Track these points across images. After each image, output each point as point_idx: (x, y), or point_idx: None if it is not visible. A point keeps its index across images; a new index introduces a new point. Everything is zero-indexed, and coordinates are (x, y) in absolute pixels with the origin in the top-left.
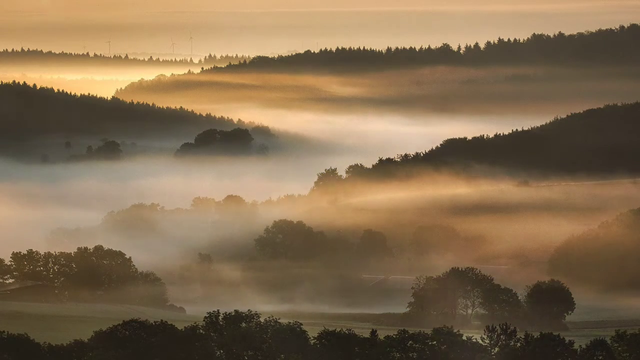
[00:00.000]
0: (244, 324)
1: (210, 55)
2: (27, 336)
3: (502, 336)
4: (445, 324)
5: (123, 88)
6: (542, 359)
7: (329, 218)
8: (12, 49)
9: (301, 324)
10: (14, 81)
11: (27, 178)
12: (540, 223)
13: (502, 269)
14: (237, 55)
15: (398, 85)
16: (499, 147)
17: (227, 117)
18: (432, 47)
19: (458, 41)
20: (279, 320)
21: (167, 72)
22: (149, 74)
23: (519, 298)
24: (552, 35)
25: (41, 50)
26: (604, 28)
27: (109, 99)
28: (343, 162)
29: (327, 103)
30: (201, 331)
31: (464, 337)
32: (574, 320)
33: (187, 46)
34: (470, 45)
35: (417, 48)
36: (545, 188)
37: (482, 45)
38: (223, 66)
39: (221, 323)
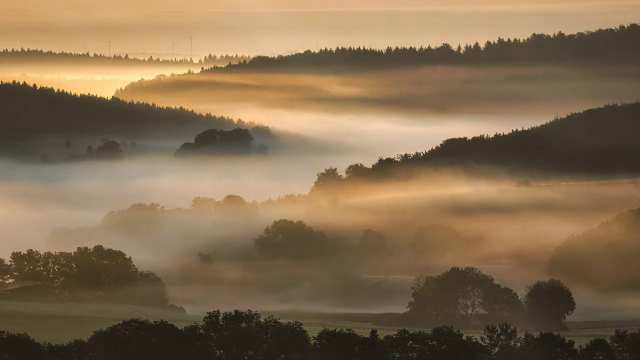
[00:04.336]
0: (244, 324)
1: (210, 55)
2: (27, 336)
3: (502, 336)
4: (445, 324)
5: (123, 88)
6: (542, 359)
7: (329, 218)
8: (12, 49)
9: (301, 324)
10: (14, 81)
11: (27, 178)
12: (540, 223)
13: (502, 269)
14: (237, 55)
15: (398, 85)
16: (499, 147)
17: (227, 117)
18: (432, 47)
19: (458, 41)
20: (279, 320)
21: (167, 72)
22: (149, 74)
23: (519, 298)
24: (552, 35)
25: (41, 50)
26: (604, 28)
27: (109, 99)
28: (343, 162)
29: (327, 103)
30: (201, 331)
31: (464, 337)
32: (574, 320)
33: (187, 46)
34: (470, 45)
35: (417, 48)
36: (545, 188)
37: (482, 45)
38: (223, 66)
39: (221, 323)
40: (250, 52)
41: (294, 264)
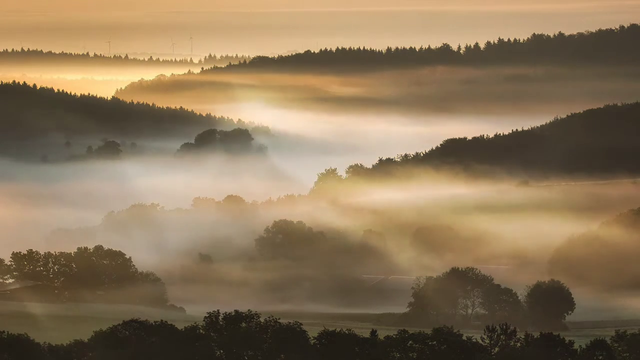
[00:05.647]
0: (244, 324)
1: (210, 55)
2: (27, 336)
3: (502, 336)
4: (445, 324)
5: (123, 88)
6: (542, 359)
7: (329, 218)
8: (12, 49)
9: (301, 324)
10: (14, 81)
11: (27, 178)
12: (540, 223)
13: (502, 269)
14: (237, 55)
15: (398, 85)
16: (499, 147)
17: (227, 117)
18: (432, 47)
19: (458, 41)
20: (279, 320)
21: (167, 72)
22: (149, 74)
23: (519, 298)
24: (552, 35)
25: (41, 50)
26: (604, 28)
27: (109, 99)
28: (343, 162)
29: (327, 103)
30: (201, 331)
31: (464, 337)
32: (574, 320)
33: (187, 46)
34: (470, 45)
35: (417, 48)
36: (545, 188)
37: (482, 45)
38: (223, 66)
39: (221, 323)
40: (250, 52)
41: (294, 264)
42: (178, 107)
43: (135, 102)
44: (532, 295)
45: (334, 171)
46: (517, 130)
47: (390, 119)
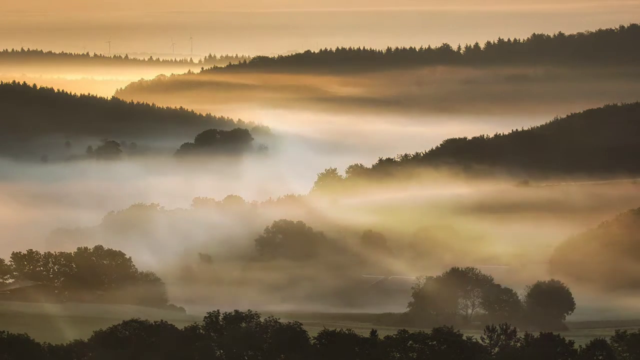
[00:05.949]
0: (244, 324)
1: (210, 55)
2: (27, 336)
3: (502, 336)
4: (445, 324)
5: (123, 88)
6: (542, 359)
7: (329, 218)
8: (12, 49)
9: (301, 324)
10: (14, 81)
11: (27, 178)
12: (540, 223)
13: (502, 269)
14: (237, 55)
15: (398, 85)
16: (499, 147)
17: (227, 117)
18: (432, 47)
19: (458, 41)
20: (279, 320)
21: (167, 72)
22: (149, 74)
23: (519, 298)
24: (552, 35)
25: (41, 50)
26: (604, 28)
27: (109, 99)
28: (343, 162)
29: (327, 103)
30: (201, 331)
31: (464, 337)
32: (574, 320)
33: (187, 46)
34: (470, 45)
35: (417, 48)
36: (545, 188)
37: (482, 45)
38: (223, 66)
39: (221, 323)
40: (250, 52)
41: (294, 264)
42: (178, 107)
43: (135, 102)
44: (532, 295)
45: (334, 171)
46: (517, 130)
47: (390, 119)
